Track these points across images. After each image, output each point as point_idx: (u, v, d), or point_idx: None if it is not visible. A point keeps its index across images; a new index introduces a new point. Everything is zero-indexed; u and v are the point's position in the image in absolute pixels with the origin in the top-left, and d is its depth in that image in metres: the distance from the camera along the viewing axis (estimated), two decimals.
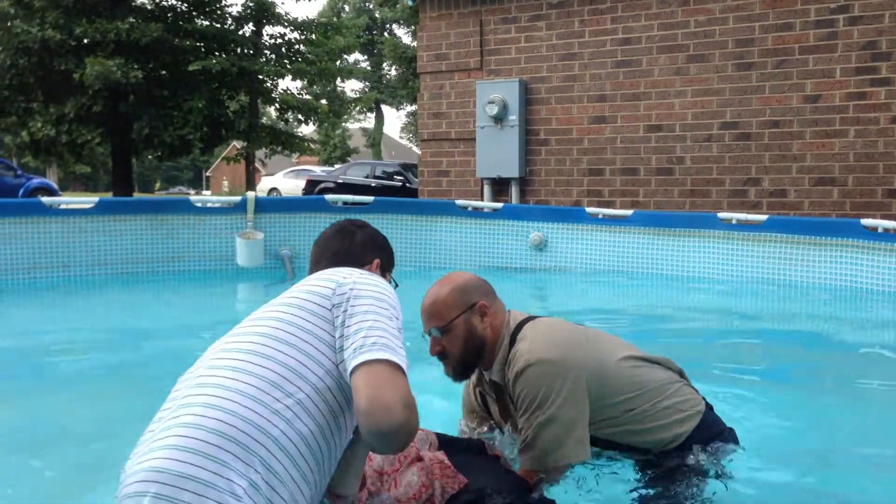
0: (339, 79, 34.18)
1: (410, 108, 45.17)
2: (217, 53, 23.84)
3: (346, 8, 49.33)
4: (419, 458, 2.08)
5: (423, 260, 7.54)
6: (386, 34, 45.74)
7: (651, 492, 2.21)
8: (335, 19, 36.46)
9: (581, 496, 2.21)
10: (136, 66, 20.62)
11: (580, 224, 7.44)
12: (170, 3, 23.64)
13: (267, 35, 26.45)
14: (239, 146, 28.20)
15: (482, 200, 8.71)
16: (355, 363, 1.65)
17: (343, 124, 49.16)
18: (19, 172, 21.64)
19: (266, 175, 38.39)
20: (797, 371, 4.14)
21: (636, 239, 7.24)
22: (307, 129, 56.75)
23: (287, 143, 26.62)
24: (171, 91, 22.43)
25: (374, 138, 48.93)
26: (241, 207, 7.30)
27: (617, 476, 2.30)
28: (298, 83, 36.09)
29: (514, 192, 8.94)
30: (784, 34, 7.77)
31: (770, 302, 6.45)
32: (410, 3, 11.54)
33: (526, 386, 2.19)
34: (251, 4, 24.74)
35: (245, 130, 24.27)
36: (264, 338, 1.75)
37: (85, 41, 21.17)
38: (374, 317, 1.74)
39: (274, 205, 7.95)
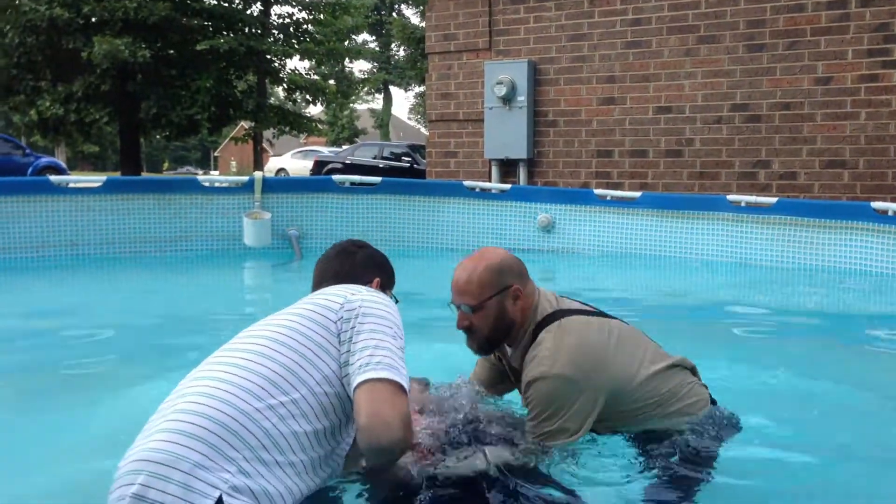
0: (347, 59, 34.05)
1: (419, 89, 44.97)
2: (225, 33, 23.78)
3: None
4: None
5: (430, 241, 7.54)
6: (394, 14, 45.48)
7: (651, 480, 2.20)
8: None
9: (579, 482, 2.18)
10: (143, 45, 20.62)
11: (588, 206, 7.42)
12: None
13: (275, 14, 26.37)
14: (247, 126, 28.25)
15: (490, 182, 8.68)
16: (360, 380, 1.77)
17: (351, 105, 49.01)
18: (28, 151, 21.66)
19: (274, 156, 38.44)
20: (805, 355, 4.13)
21: (644, 221, 7.21)
22: (315, 110, 56.61)
23: (295, 123, 26.62)
24: (178, 70, 22.43)
25: (383, 119, 48.77)
26: (248, 187, 7.29)
27: (616, 459, 2.29)
28: (306, 63, 36.09)
29: (522, 173, 8.91)
30: (796, 15, 7.68)
31: (778, 285, 6.42)
32: None
33: (539, 396, 2.21)
34: None
35: (253, 110, 24.27)
36: (267, 340, 1.86)
37: (93, 20, 21.15)
38: (381, 336, 1.86)
39: (281, 185, 7.95)
